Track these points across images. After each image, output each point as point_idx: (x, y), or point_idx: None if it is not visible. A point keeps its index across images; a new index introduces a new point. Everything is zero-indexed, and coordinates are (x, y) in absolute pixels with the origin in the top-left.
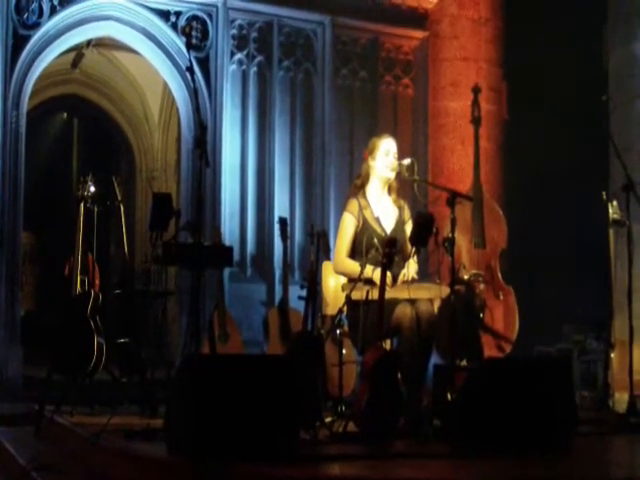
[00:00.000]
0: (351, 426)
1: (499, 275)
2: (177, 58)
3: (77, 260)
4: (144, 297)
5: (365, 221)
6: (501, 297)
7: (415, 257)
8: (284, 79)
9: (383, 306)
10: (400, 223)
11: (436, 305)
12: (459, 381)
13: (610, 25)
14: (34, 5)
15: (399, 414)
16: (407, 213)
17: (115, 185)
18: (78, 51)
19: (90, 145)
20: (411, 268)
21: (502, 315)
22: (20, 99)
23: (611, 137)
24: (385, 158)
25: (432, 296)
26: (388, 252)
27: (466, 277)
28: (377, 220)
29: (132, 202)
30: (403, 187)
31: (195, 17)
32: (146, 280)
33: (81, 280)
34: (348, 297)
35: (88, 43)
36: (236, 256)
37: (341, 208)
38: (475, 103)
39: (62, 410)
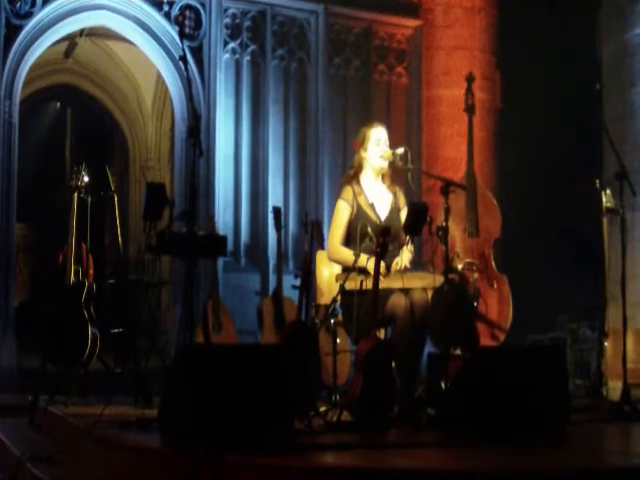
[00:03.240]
0: (345, 415)
1: (493, 264)
2: (170, 47)
3: (71, 250)
4: (138, 287)
5: (359, 208)
6: (495, 286)
7: (409, 245)
8: (277, 68)
9: (377, 296)
10: (395, 210)
11: (430, 294)
12: (453, 370)
13: (604, 13)
14: None
15: (393, 403)
16: (402, 199)
17: (109, 175)
18: (71, 40)
19: (83, 135)
20: (405, 257)
21: (496, 304)
22: (13, 89)
23: (605, 126)
24: (376, 148)
25: (426, 285)
26: (382, 241)
27: (460, 266)
28: (372, 206)
29: (126, 192)
30: (397, 176)
31: (188, 6)
32: (140, 270)
33: (75, 270)
34: (342, 287)
35: (81, 32)
36: (230, 246)
37: (335, 197)
38: (469, 92)
39: (56, 400)
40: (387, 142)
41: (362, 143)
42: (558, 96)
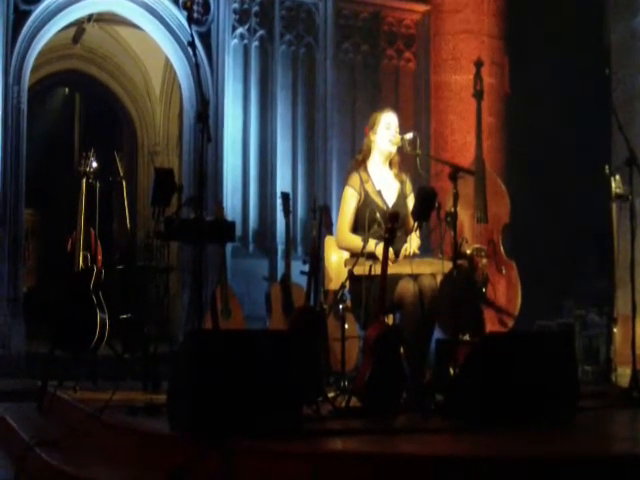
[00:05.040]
0: (354, 401)
1: (501, 249)
2: (178, 32)
3: (79, 236)
4: (146, 273)
5: (367, 195)
6: (503, 271)
7: (417, 232)
8: (286, 53)
9: (386, 281)
10: (402, 197)
11: (438, 280)
12: (461, 356)
13: None
14: None
15: (401, 389)
16: (409, 187)
17: (117, 160)
18: (79, 26)
19: (92, 120)
20: (413, 243)
21: (504, 289)
22: (21, 74)
23: (614, 111)
24: (386, 132)
25: (434, 271)
26: (390, 227)
27: (468, 252)
28: (379, 193)
29: (134, 177)
30: (405, 161)
31: None
32: (148, 256)
33: (83, 256)
34: (351, 272)
35: (89, 18)
36: (238, 231)
37: (343, 183)
38: (477, 77)
39: (65, 386)
40: (397, 128)
41: (372, 127)
42: (567, 81)
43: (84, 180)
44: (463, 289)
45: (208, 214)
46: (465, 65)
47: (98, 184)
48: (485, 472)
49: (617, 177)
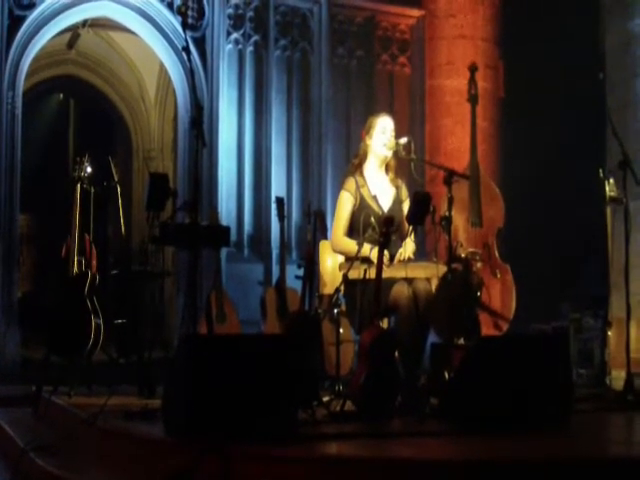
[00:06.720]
0: (349, 405)
1: (496, 253)
2: (173, 38)
3: (74, 241)
4: (141, 277)
5: (362, 199)
6: (498, 275)
7: (412, 236)
8: (280, 58)
9: (380, 285)
10: (397, 202)
11: (433, 284)
12: (456, 359)
13: (607, 2)
14: None
15: (396, 393)
16: (404, 192)
17: (112, 165)
18: (74, 31)
19: (86, 126)
20: (408, 247)
21: (499, 293)
22: (16, 80)
23: (609, 114)
24: (382, 136)
25: (429, 275)
26: (385, 231)
27: (463, 255)
28: (374, 198)
29: (129, 182)
30: (400, 166)
31: None
32: (143, 260)
33: (78, 261)
34: (345, 276)
35: (84, 23)
36: (233, 236)
37: (338, 187)
38: (472, 81)
39: (60, 391)
40: (393, 132)
41: (368, 131)
42: (562, 85)
43: (78, 185)
44: (458, 293)
45: (203, 219)
46: (459, 69)
47: (93, 189)
48: (481, 476)
49: (611, 180)
